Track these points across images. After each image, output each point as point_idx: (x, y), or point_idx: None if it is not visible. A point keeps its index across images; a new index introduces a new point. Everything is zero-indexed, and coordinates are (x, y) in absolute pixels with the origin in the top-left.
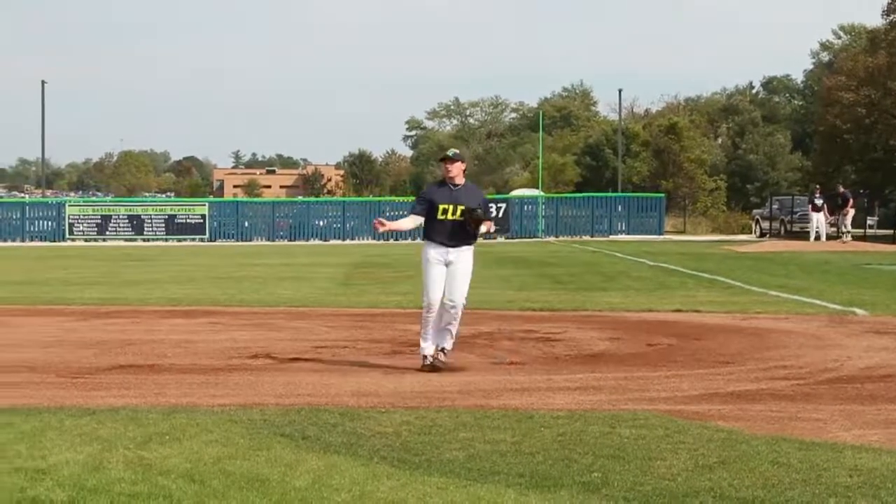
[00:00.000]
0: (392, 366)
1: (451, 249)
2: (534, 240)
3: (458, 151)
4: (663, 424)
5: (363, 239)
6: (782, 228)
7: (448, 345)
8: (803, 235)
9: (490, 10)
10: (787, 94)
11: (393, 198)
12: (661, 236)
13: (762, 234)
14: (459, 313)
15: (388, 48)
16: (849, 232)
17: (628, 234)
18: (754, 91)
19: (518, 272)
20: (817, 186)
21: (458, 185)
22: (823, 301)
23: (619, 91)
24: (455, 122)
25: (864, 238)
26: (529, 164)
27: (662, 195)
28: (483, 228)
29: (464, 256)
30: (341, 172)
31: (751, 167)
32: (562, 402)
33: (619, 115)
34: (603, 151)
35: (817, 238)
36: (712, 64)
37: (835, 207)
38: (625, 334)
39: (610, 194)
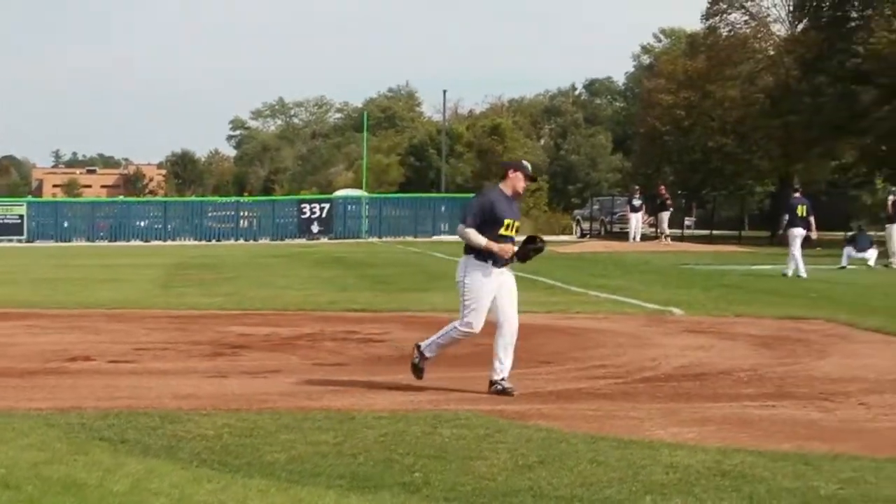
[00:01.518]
0: (214, 368)
1: (503, 269)
2: (357, 240)
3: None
4: (484, 424)
5: (185, 240)
6: (603, 229)
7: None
8: (623, 236)
9: (315, 9)
10: (609, 96)
11: (216, 198)
12: None
13: (583, 235)
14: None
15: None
16: (667, 235)
17: (452, 234)
18: (577, 93)
19: (341, 273)
20: (636, 187)
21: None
22: (642, 301)
23: (444, 92)
24: (279, 121)
25: (681, 238)
26: (353, 164)
27: None
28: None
29: (511, 272)
30: (163, 172)
31: (572, 168)
32: (384, 403)
33: (444, 116)
34: (427, 152)
35: (635, 238)
36: (536, 65)
37: (654, 208)
38: None
39: (433, 195)
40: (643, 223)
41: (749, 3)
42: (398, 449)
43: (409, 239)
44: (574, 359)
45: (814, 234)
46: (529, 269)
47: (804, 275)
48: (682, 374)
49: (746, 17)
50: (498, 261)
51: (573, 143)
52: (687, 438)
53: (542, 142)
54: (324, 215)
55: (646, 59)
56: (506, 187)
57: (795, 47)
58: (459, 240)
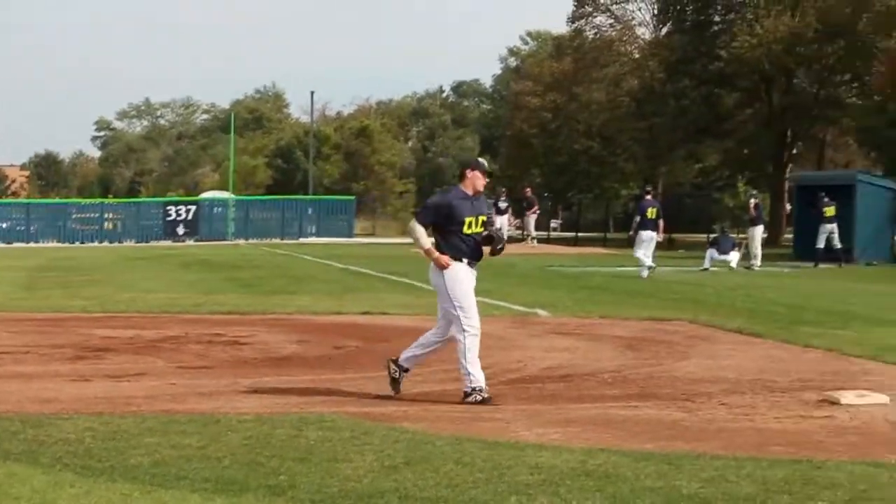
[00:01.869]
0: (77, 372)
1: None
2: (223, 242)
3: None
4: (350, 426)
5: (49, 242)
6: None
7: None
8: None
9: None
10: (477, 99)
11: (80, 199)
12: (352, 239)
13: None
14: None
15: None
16: (533, 237)
17: (318, 236)
18: (444, 95)
19: (206, 275)
20: (503, 189)
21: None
22: (508, 303)
23: (311, 93)
24: (145, 122)
25: (548, 241)
26: (220, 165)
27: (353, 198)
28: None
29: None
30: (26, 174)
31: (440, 170)
32: (249, 406)
33: (312, 118)
34: (294, 154)
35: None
36: (403, 68)
37: (520, 210)
38: (313, 337)
39: (300, 197)
40: (510, 225)
41: (614, 7)
42: (263, 452)
43: (276, 241)
44: (440, 360)
45: (660, 237)
46: (397, 272)
47: (645, 274)
48: (547, 375)
49: (612, 21)
50: (472, 259)
51: (441, 146)
52: (552, 439)
53: (410, 144)
54: (190, 217)
55: (513, 62)
56: (466, 187)
57: (660, 51)
58: (328, 242)
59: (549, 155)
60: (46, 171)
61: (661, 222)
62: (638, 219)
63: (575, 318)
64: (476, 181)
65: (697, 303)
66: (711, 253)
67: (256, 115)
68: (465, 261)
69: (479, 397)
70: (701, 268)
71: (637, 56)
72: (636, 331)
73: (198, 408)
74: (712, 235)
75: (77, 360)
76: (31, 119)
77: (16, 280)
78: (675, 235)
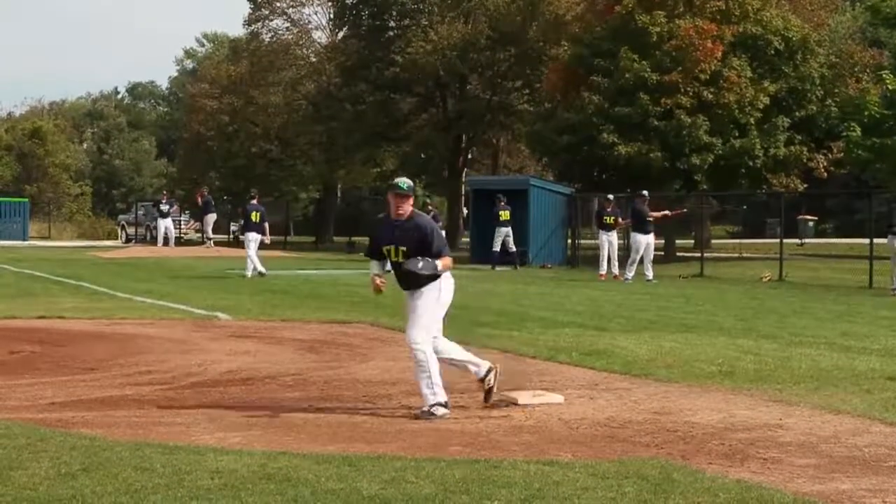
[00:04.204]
0: None
1: (407, 293)
2: None
3: (410, 184)
4: (25, 433)
5: None
6: (148, 234)
7: (422, 396)
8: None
9: None
10: (153, 101)
11: None
12: (26, 242)
13: (128, 240)
14: (415, 355)
15: None
16: (210, 239)
17: None
18: (119, 96)
19: None
20: (164, 193)
21: (399, 223)
22: (188, 306)
23: None
24: None
25: (228, 244)
26: None
27: (26, 200)
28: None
29: (422, 295)
30: None
31: (116, 173)
32: None
33: None
34: None
35: (166, 243)
36: (77, 68)
37: (200, 213)
38: None
39: None
40: (189, 228)
41: (291, 10)
42: None
43: None
44: (119, 365)
45: (267, 239)
46: (74, 275)
47: (250, 274)
48: (228, 379)
49: (289, 24)
50: (400, 283)
51: (117, 148)
52: (233, 443)
53: (86, 146)
54: None
55: (189, 64)
56: (389, 208)
57: (336, 55)
58: (1, 245)
59: (227, 158)
60: None
61: (266, 225)
62: (243, 222)
63: (256, 321)
64: (391, 204)
65: (378, 306)
66: None
67: None
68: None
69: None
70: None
71: (314, 60)
72: (317, 334)
73: None
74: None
75: None
76: None
77: None
78: (354, 238)
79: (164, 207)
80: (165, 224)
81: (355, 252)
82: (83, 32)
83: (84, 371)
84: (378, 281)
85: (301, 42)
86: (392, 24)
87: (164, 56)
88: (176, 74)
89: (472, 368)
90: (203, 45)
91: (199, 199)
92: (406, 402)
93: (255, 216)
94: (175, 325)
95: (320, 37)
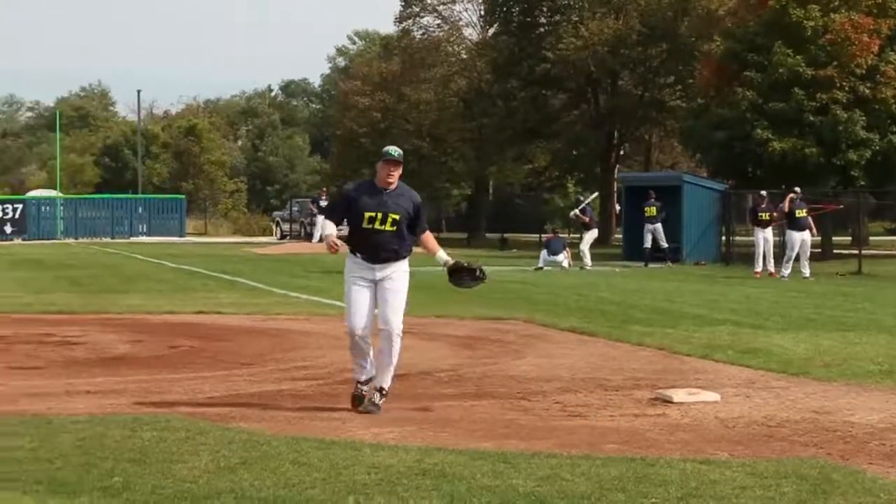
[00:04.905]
0: None
1: (377, 266)
2: (52, 241)
3: (401, 152)
4: (185, 427)
5: None
6: (302, 230)
7: (387, 383)
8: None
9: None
10: (306, 98)
11: None
12: (183, 238)
13: (283, 236)
14: (397, 343)
15: None
16: None
17: (149, 235)
18: (273, 94)
19: (36, 275)
20: (324, 189)
21: (388, 190)
22: (342, 302)
23: (138, 92)
24: None
25: None
26: (47, 164)
27: (183, 197)
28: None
29: (398, 273)
30: None
31: (270, 169)
32: (82, 407)
33: (139, 116)
34: (122, 152)
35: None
36: (232, 67)
37: None
38: (147, 337)
39: (130, 196)
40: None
41: (442, 7)
42: (97, 453)
43: (107, 240)
44: (276, 360)
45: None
46: (230, 271)
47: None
48: None
49: (439, 21)
50: (369, 255)
51: (271, 145)
52: (388, 438)
53: (240, 143)
54: (17, 216)
55: (341, 62)
56: (377, 179)
57: (487, 51)
58: (159, 241)
59: (378, 154)
60: None
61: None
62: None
63: (410, 317)
64: (380, 172)
65: (531, 302)
66: (545, 253)
67: (82, 112)
68: (359, 256)
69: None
70: (534, 267)
71: (465, 57)
72: (472, 330)
73: (29, 409)
74: (545, 236)
75: None
76: None
77: None
78: (507, 235)
79: (323, 204)
80: (321, 221)
81: (508, 248)
82: (238, 32)
83: (241, 366)
84: (336, 242)
85: (452, 39)
86: (543, 20)
87: (317, 54)
88: (328, 72)
89: (368, 369)
90: (355, 43)
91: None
92: (561, 398)
93: None
94: (329, 320)
95: (471, 34)
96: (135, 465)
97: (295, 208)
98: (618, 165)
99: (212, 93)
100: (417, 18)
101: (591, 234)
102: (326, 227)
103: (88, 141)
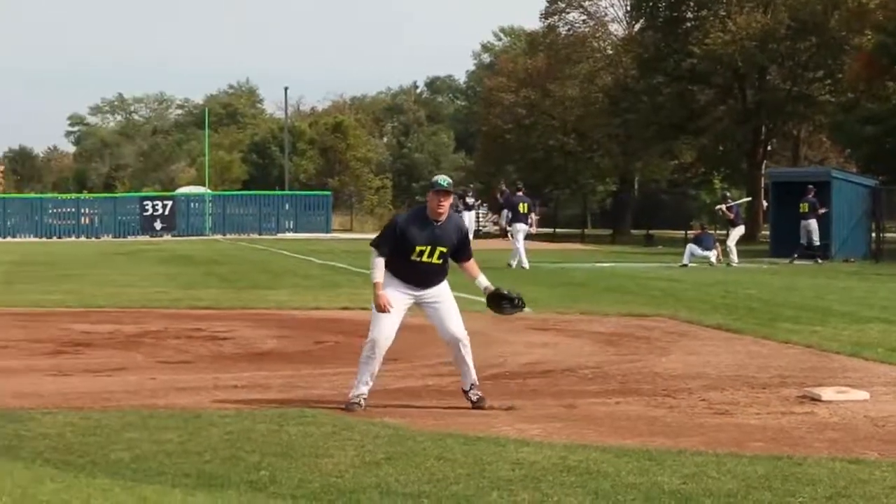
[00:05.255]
0: (56, 366)
1: (420, 289)
2: (201, 238)
3: (450, 180)
4: (331, 421)
5: (25, 237)
6: None
7: (475, 376)
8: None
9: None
10: (451, 95)
11: (55, 195)
12: (329, 234)
13: None
14: (468, 346)
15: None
16: (509, 230)
17: (296, 232)
18: (418, 91)
19: (185, 270)
20: (470, 186)
21: (440, 222)
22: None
23: (286, 89)
24: (119, 118)
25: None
26: (196, 161)
27: (329, 193)
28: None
29: (443, 289)
30: (1, 168)
31: (415, 166)
32: (230, 401)
33: (286, 114)
34: (270, 149)
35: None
36: (377, 64)
37: (498, 207)
38: (293, 332)
39: (277, 192)
40: (488, 221)
41: (587, 3)
42: (244, 447)
43: (254, 236)
44: (421, 356)
45: (533, 229)
46: None
47: (527, 266)
48: (528, 371)
49: (585, 17)
50: (414, 282)
51: (416, 141)
52: (533, 435)
53: (385, 140)
54: (166, 212)
55: (486, 58)
56: (427, 210)
57: (633, 47)
58: (306, 237)
59: (523, 151)
60: (21, 165)
61: (532, 216)
62: (510, 213)
63: (555, 314)
64: (431, 203)
65: (677, 299)
66: (692, 249)
67: (230, 110)
68: (400, 280)
69: (351, 405)
70: (680, 264)
71: (610, 52)
72: (616, 327)
73: (178, 402)
74: (691, 232)
75: (57, 355)
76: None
77: None
78: (652, 232)
79: (470, 200)
80: (469, 217)
81: (653, 245)
82: (384, 29)
83: (386, 361)
84: (389, 302)
85: (597, 35)
86: (689, 14)
87: (462, 50)
88: (473, 68)
89: (371, 385)
90: (500, 39)
91: (499, 197)
92: (706, 396)
93: (522, 207)
94: (475, 316)
95: (617, 29)
96: (281, 459)
97: None
98: (765, 161)
99: (358, 90)
100: (563, 14)
101: (738, 231)
102: (377, 273)
103: (236, 138)
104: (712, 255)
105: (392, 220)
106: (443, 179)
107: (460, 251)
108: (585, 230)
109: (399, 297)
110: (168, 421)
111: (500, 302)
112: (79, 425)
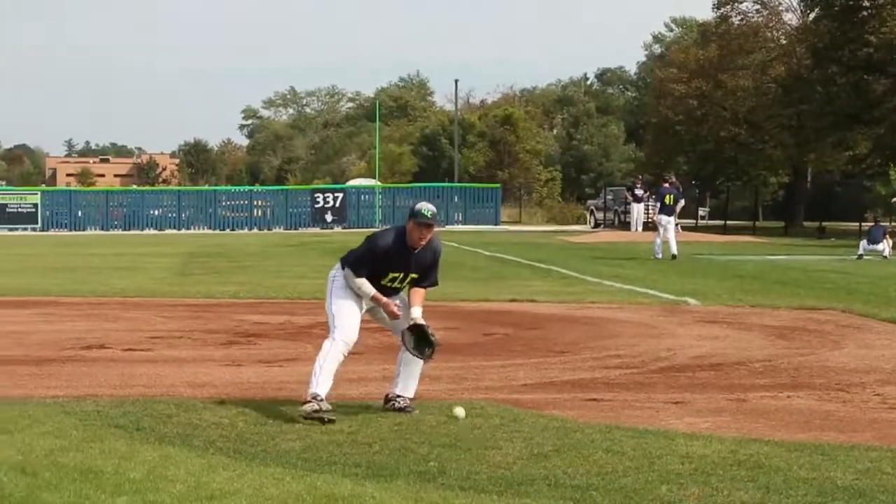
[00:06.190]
0: (229, 356)
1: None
2: (371, 229)
3: (434, 210)
4: (499, 413)
5: (198, 228)
6: (616, 219)
7: (412, 392)
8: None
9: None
10: (621, 86)
11: (229, 187)
12: (498, 226)
13: (597, 225)
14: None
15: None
16: (678, 224)
17: (465, 224)
18: (588, 82)
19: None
20: (639, 177)
21: (417, 249)
22: (657, 291)
23: (456, 82)
24: (291, 111)
25: (695, 229)
26: (366, 153)
27: (498, 186)
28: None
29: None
30: (176, 161)
31: (585, 158)
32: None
33: (456, 106)
34: (439, 142)
35: (637, 228)
36: (547, 55)
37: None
38: (461, 324)
39: (446, 185)
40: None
41: None
42: (413, 438)
43: None
44: (589, 348)
45: (672, 222)
46: (544, 259)
47: (674, 251)
48: (697, 364)
49: (758, 6)
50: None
51: (585, 133)
52: (702, 429)
53: (555, 132)
54: (337, 205)
55: (657, 49)
56: (408, 238)
57: (807, 36)
58: (474, 230)
59: (694, 142)
60: (195, 158)
61: (677, 207)
62: (658, 204)
63: (725, 306)
64: (412, 233)
65: (850, 292)
66: (866, 241)
67: (401, 103)
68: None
69: (314, 406)
70: (855, 256)
71: (784, 42)
72: (787, 320)
73: (348, 393)
74: (866, 224)
75: (230, 345)
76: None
77: (168, 266)
78: (825, 224)
79: (639, 192)
80: (638, 209)
81: (826, 237)
82: (554, 21)
83: (555, 354)
84: (398, 306)
85: (771, 24)
86: (866, 3)
87: (633, 42)
88: (644, 59)
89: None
90: (672, 30)
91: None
92: (881, 390)
93: (668, 199)
94: (643, 309)
95: (791, 18)
96: (450, 451)
97: (609, 196)
98: None
99: (528, 81)
100: (736, 4)
101: None
102: (366, 288)
103: (406, 130)
104: (882, 248)
105: (372, 242)
106: (427, 210)
107: (424, 276)
108: (757, 222)
109: (357, 301)
110: (338, 411)
111: (418, 339)
112: (250, 415)
